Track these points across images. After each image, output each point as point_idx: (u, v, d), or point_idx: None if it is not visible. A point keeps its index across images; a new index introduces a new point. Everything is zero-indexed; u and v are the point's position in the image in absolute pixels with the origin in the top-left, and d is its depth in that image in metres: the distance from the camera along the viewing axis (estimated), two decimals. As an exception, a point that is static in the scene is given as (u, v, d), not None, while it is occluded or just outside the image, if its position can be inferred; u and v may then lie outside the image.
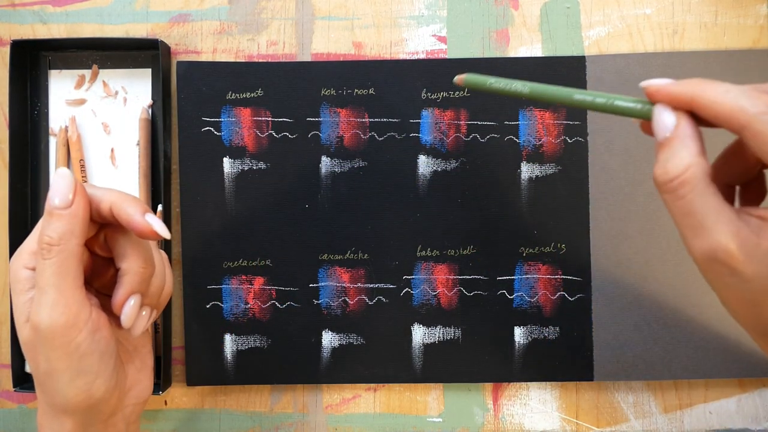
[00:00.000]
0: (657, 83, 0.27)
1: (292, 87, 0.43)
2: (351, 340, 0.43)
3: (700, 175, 0.25)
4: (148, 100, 0.44)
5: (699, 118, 0.26)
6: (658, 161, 0.26)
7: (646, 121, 0.28)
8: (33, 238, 0.30)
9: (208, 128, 0.43)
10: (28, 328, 0.29)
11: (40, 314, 0.28)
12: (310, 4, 0.44)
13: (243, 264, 0.43)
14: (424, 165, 0.43)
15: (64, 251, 0.28)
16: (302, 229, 0.43)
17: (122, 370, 0.32)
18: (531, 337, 0.43)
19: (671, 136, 0.26)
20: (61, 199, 0.28)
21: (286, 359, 0.43)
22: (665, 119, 0.26)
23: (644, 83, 0.28)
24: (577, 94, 0.29)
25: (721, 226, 0.24)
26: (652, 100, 0.28)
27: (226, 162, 0.43)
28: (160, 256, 0.33)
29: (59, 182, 0.28)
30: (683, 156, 0.25)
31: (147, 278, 0.31)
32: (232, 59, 0.44)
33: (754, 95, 0.24)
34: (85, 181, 0.43)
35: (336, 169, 0.43)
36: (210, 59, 0.44)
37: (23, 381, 0.42)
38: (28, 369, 0.43)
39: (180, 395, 0.44)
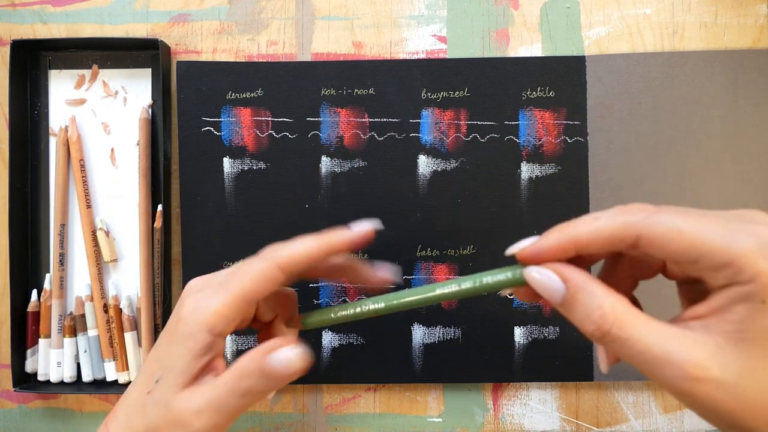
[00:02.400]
0: (524, 245, 0.26)
1: (292, 87, 0.43)
2: (351, 340, 0.43)
3: (625, 311, 0.23)
4: (148, 100, 0.44)
5: (579, 259, 0.25)
6: (577, 321, 0.24)
7: (520, 287, 0.26)
8: (227, 303, 0.28)
9: (208, 128, 0.43)
10: (177, 410, 0.27)
11: (198, 422, 0.27)
12: (310, 4, 0.44)
13: (243, 264, 0.43)
14: (424, 165, 0.43)
15: (253, 399, 0.28)
16: (302, 229, 0.43)
17: None
18: (531, 337, 0.42)
19: (570, 294, 0.24)
20: (282, 373, 0.27)
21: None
22: (551, 282, 0.25)
23: (511, 250, 0.26)
24: (439, 288, 0.27)
25: (679, 348, 0.22)
26: (530, 262, 0.26)
27: (226, 162, 0.43)
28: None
29: (291, 360, 0.27)
30: (597, 304, 0.23)
31: None
32: (232, 59, 0.44)
33: (625, 209, 0.24)
34: (85, 182, 0.43)
35: (336, 169, 0.43)
36: (210, 59, 0.44)
37: (23, 381, 0.42)
38: (28, 368, 0.43)
39: (180, 395, 0.44)
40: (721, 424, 0.23)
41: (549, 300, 0.25)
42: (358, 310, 0.29)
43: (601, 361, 0.27)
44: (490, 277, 0.26)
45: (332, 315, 0.29)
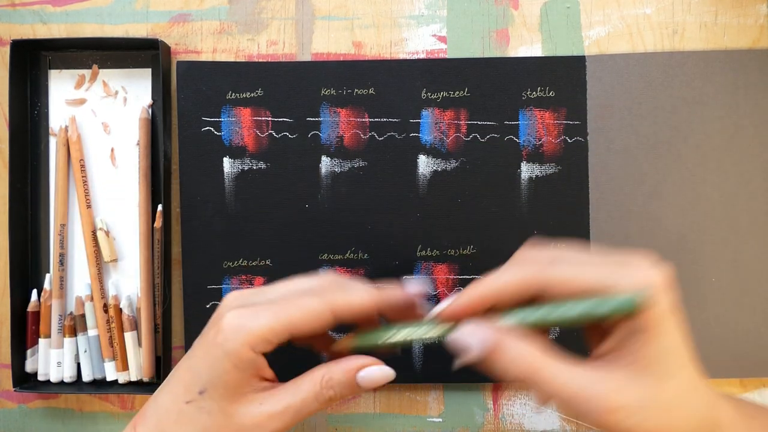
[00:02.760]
0: (442, 307, 0.29)
1: (292, 87, 0.43)
2: (351, 340, 0.43)
3: (537, 358, 0.26)
4: (148, 100, 0.44)
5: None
6: (502, 375, 0.26)
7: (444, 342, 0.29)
8: (272, 327, 0.28)
9: (208, 128, 0.43)
10: (247, 415, 0.29)
11: (274, 424, 0.29)
12: (310, 4, 0.44)
13: (243, 264, 0.43)
14: (424, 165, 0.43)
15: (330, 404, 0.30)
16: (302, 229, 0.43)
17: None
18: (531, 337, 0.42)
19: (489, 349, 0.26)
20: (367, 386, 0.30)
21: (287, 359, 0.43)
22: (468, 341, 0.27)
23: (432, 313, 0.30)
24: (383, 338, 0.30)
25: (593, 386, 0.25)
26: (451, 320, 0.29)
27: (226, 162, 0.43)
28: None
29: (379, 378, 0.30)
30: (514, 354, 0.26)
31: None
32: (232, 59, 0.44)
33: (522, 260, 0.28)
34: (85, 182, 0.43)
35: (336, 169, 0.43)
36: (210, 59, 0.44)
37: (23, 381, 0.42)
38: (28, 368, 0.43)
39: (180, 395, 0.44)
40: None
41: (467, 358, 0.27)
42: (415, 336, 0.30)
43: (536, 398, 0.31)
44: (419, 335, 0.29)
45: (385, 340, 0.30)
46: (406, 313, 0.31)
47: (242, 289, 0.31)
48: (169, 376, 0.31)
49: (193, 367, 0.30)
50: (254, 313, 0.29)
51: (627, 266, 0.26)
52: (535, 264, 0.28)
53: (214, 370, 0.29)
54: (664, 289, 0.25)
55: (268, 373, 0.30)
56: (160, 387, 0.31)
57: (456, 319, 0.29)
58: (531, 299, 0.28)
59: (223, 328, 0.29)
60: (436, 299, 0.43)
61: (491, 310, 0.28)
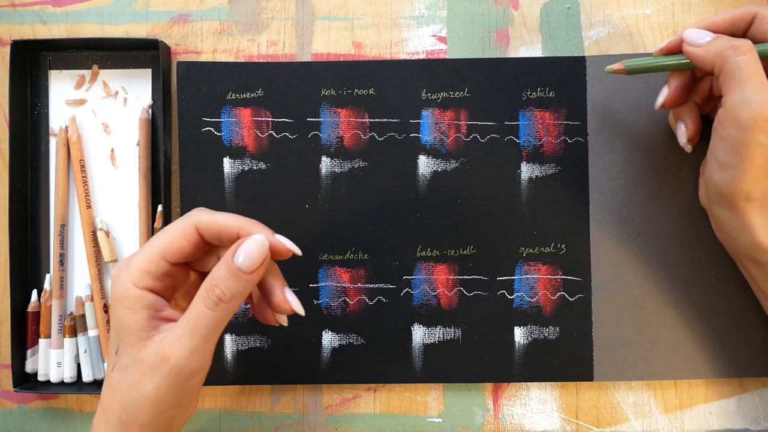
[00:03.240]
0: (695, 42, 0.36)
1: (292, 87, 0.43)
2: (351, 340, 0.43)
3: (753, 47, 0.33)
4: (148, 100, 0.44)
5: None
6: (718, 43, 0.33)
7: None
8: (146, 258, 0.30)
9: (208, 128, 0.43)
10: (152, 352, 0.29)
11: (180, 352, 0.29)
12: (310, 4, 0.44)
13: (243, 264, 0.43)
14: (424, 165, 0.43)
15: (229, 309, 0.29)
16: (302, 229, 0.43)
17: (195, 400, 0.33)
18: (531, 337, 0.43)
19: (714, 38, 0.34)
20: (249, 265, 0.29)
21: (286, 359, 0.43)
22: (699, 34, 0.35)
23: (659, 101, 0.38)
24: None
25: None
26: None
27: (226, 162, 0.43)
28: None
29: (254, 249, 0.29)
30: (737, 39, 0.33)
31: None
32: (232, 59, 0.44)
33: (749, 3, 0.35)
34: (85, 182, 0.43)
35: (336, 169, 0.43)
36: (210, 59, 0.44)
37: (23, 381, 0.42)
38: (28, 369, 0.43)
39: (180, 395, 0.44)
40: (732, 155, 0.33)
41: (692, 41, 0.35)
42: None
43: (680, 134, 0.38)
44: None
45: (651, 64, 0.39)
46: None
47: None
48: None
49: (110, 335, 0.31)
50: (130, 257, 0.31)
51: None
52: (755, 2, 0.35)
53: (115, 324, 0.30)
54: None
55: (170, 313, 0.31)
56: None
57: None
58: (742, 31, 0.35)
59: (111, 281, 0.31)
60: (436, 299, 0.43)
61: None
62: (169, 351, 0.29)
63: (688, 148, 0.39)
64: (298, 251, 0.32)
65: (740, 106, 0.31)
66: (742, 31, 0.35)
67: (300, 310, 0.32)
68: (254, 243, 0.30)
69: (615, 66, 0.38)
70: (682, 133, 0.38)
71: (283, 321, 0.34)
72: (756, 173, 0.32)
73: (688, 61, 0.36)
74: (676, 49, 0.37)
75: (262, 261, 0.30)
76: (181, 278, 0.33)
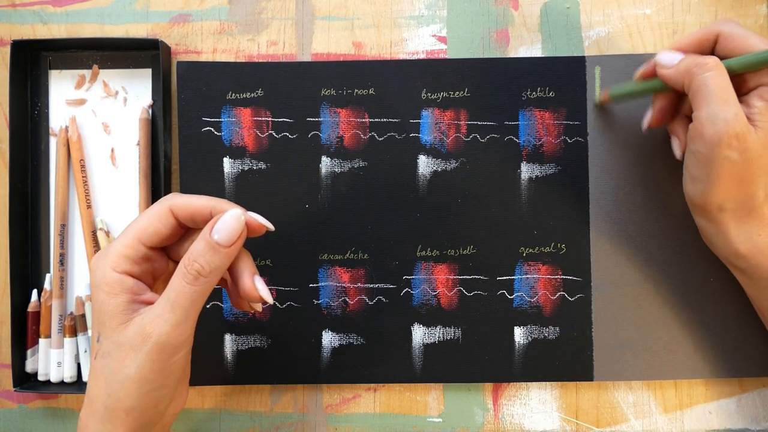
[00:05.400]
0: (668, 62, 0.36)
1: (292, 87, 0.43)
2: (351, 340, 0.43)
3: (719, 63, 0.33)
4: (148, 100, 0.44)
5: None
6: (685, 63, 0.34)
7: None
8: (124, 243, 0.31)
9: (208, 128, 0.43)
10: (133, 333, 0.29)
11: (161, 328, 0.29)
12: (310, 4, 0.44)
13: (243, 264, 0.43)
14: (424, 165, 0.43)
15: (207, 283, 0.30)
16: (302, 229, 0.43)
17: (182, 384, 0.33)
18: (531, 337, 0.43)
19: (683, 59, 0.34)
20: (226, 238, 0.30)
21: (286, 359, 0.43)
22: (669, 56, 0.35)
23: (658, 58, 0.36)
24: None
25: (735, 102, 0.31)
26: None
27: (226, 162, 0.43)
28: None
29: (231, 223, 0.30)
30: (704, 56, 0.33)
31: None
32: (232, 59, 0.44)
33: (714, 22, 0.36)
34: (85, 182, 0.43)
35: (336, 169, 0.43)
36: (210, 59, 0.44)
37: (23, 381, 0.42)
38: (29, 368, 0.43)
39: (180, 395, 0.44)
40: (702, 169, 0.34)
41: (666, 65, 0.35)
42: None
43: (675, 147, 0.38)
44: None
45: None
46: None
47: None
48: None
49: (92, 326, 0.32)
50: (109, 245, 0.31)
51: None
52: (719, 21, 0.35)
53: (96, 311, 0.30)
54: None
55: (148, 295, 0.31)
56: None
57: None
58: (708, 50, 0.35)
59: (90, 269, 0.31)
60: (436, 299, 0.43)
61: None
62: (150, 328, 0.29)
63: (678, 153, 0.39)
64: (270, 226, 0.33)
65: (706, 122, 0.32)
66: (708, 50, 0.35)
67: (268, 298, 0.32)
68: (231, 217, 0.30)
69: (602, 96, 0.41)
70: (677, 146, 0.38)
71: (257, 308, 0.34)
72: (725, 186, 0.33)
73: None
74: (653, 73, 0.37)
75: (239, 234, 0.31)
76: (159, 264, 0.33)
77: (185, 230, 0.33)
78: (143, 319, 0.29)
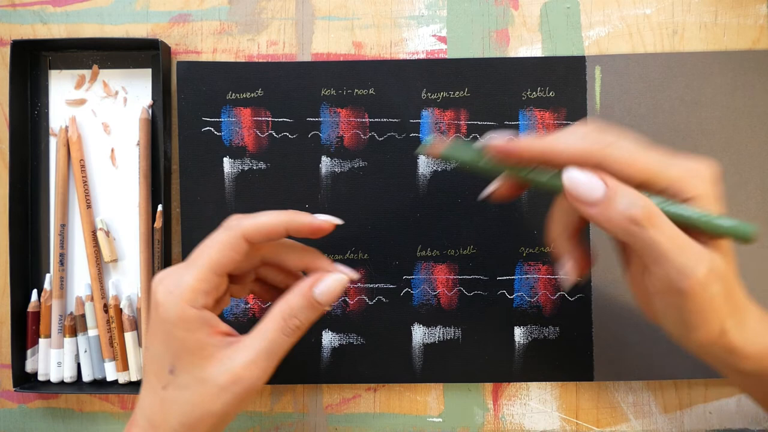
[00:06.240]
0: (499, 142, 0.30)
1: (292, 87, 0.43)
2: (351, 340, 0.43)
3: (657, 209, 0.27)
4: (148, 100, 0.44)
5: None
6: (614, 214, 0.27)
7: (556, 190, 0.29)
8: (198, 277, 0.29)
9: (208, 128, 0.43)
10: (220, 372, 0.29)
11: (255, 374, 0.30)
12: (310, 4, 0.44)
13: (243, 264, 0.43)
14: (424, 165, 0.43)
15: (301, 334, 0.31)
16: (302, 229, 0.43)
17: None
18: (531, 337, 0.43)
19: (609, 193, 0.27)
20: (329, 300, 0.31)
21: (286, 359, 0.42)
22: (592, 182, 0.27)
23: (483, 142, 0.30)
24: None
25: (684, 249, 0.27)
26: (501, 156, 0.30)
27: (226, 162, 0.43)
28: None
29: (336, 288, 0.31)
30: (637, 196, 0.27)
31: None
32: (232, 59, 0.44)
33: (589, 133, 0.28)
34: (85, 182, 0.43)
35: (336, 169, 0.43)
36: (210, 59, 0.44)
37: (23, 381, 0.42)
38: (29, 368, 0.43)
39: (180, 395, 0.44)
40: (694, 310, 0.27)
41: (583, 199, 0.27)
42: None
43: (569, 274, 0.32)
44: (533, 175, 0.29)
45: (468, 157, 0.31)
46: (315, 236, 0.32)
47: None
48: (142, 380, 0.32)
49: (154, 354, 0.30)
50: (179, 273, 0.30)
51: (678, 157, 0.28)
52: (598, 141, 0.28)
53: (170, 345, 0.29)
54: (711, 181, 0.28)
55: (225, 327, 0.31)
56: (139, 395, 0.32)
57: (505, 156, 0.29)
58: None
59: (158, 302, 0.29)
60: (436, 299, 0.43)
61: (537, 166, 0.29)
62: (243, 372, 0.29)
63: (569, 283, 0.33)
64: (339, 221, 0.33)
65: (676, 278, 0.27)
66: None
67: (334, 219, 0.33)
68: (336, 282, 0.31)
69: (429, 149, 0.33)
70: (572, 270, 0.32)
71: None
72: (720, 317, 0.28)
73: (542, 181, 0.29)
74: (514, 154, 0.29)
75: (339, 295, 0.31)
76: (223, 288, 0.32)
77: (256, 250, 0.33)
78: (232, 362, 0.29)
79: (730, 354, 0.29)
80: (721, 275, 0.27)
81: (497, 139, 0.29)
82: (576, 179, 0.27)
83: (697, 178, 0.27)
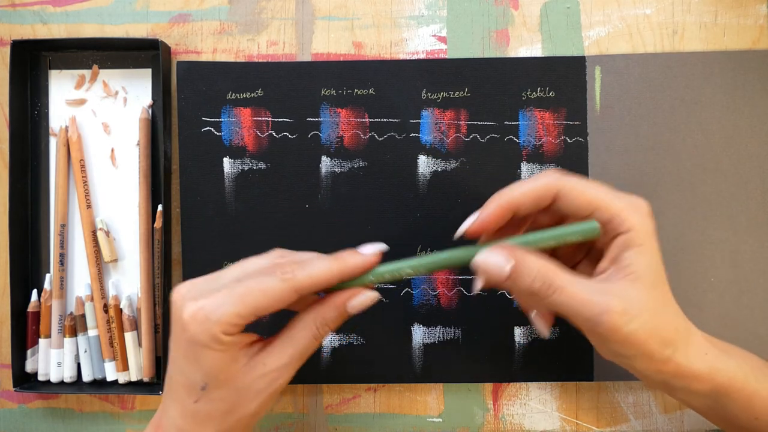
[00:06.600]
0: (468, 223, 0.32)
1: (292, 87, 0.43)
2: (351, 340, 0.43)
3: (558, 265, 0.30)
4: (148, 100, 0.44)
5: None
6: (526, 285, 0.30)
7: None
8: (238, 312, 0.29)
9: (208, 128, 0.43)
10: (255, 378, 0.30)
11: (289, 374, 0.31)
12: (310, 4, 0.44)
13: (243, 264, 0.43)
14: (424, 165, 0.43)
15: (326, 337, 0.33)
16: (302, 229, 0.43)
17: None
18: (531, 337, 0.43)
19: (517, 265, 0.30)
20: (359, 311, 0.32)
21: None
22: (497, 261, 0.30)
23: (458, 233, 0.32)
24: (408, 269, 0.32)
25: (605, 294, 0.29)
26: (478, 235, 0.33)
27: (226, 162, 0.43)
28: None
29: (367, 303, 0.32)
30: (538, 264, 0.30)
31: None
32: (232, 59, 0.44)
33: (543, 174, 0.32)
34: (85, 182, 0.43)
35: (336, 169, 0.43)
36: (210, 59, 0.44)
37: (23, 381, 0.42)
38: (29, 368, 0.43)
39: (180, 395, 0.44)
40: (622, 347, 0.30)
41: (493, 279, 0.30)
42: (395, 274, 0.32)
43: (542, 329, 0.35)
44: (446, 256, 0.32)
45: (371, 278, 0.32)
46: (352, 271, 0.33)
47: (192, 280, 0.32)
48: (165, 387, 0.32)
49: (183, 370, 0.30)
50: (218, 300, 0.29)
51: (622, 193, 0.31)
52: (554, 177, 0.32)
53: (201, 365, 0.29)
54: (648, 215, 0.31)
55: (252, 337, 0.32)
56: (162, 401, 0.32)
57: (482, 232, 0.32)
58: (545, 208, 0.33)
59: (188, 323, 0.29)
60: (436, 299, 0.43)
61: (510, 220, 0.33)
62: (278, 375, 0.31)
63: (546, 333, 0.36)
64: (385, 246, 0.33)
65: (592, 327, 0.29)
66: (547, 204, 0.32)
67: (375, 249, 0.33)
68: (370, 299, 0.32)
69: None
70: (543, 326, 0.35)
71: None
72: (652, 347, 0.30)
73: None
74: (486, 224, 0.32)
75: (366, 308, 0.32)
76: None
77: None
78: (266, 367, 0.31)
79: (681, 378, 0.31)
80: (639, 311, 0.29)
81: (465, 225, 0.32)
82: (486, 261, 0.30)
83: (636, 212, 0.31)
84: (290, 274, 0.30)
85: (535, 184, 0.32)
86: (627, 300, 0.29)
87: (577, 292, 0.29)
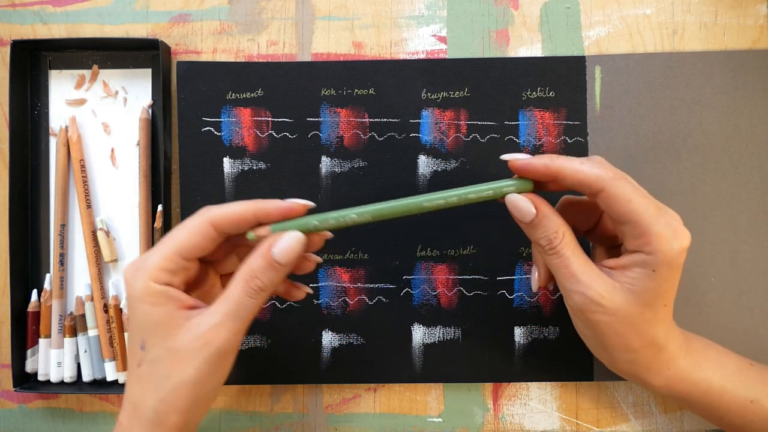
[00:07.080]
0: (519, 157, 0.33)
1: (292, 87, 0.43)
2: (351, 340, 0.43)
3: (572, 239, 0.32)
4: (148, 100, 0.44)
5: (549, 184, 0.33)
6: (535, 236, 0.33)
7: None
8: (162, 256, 0.31)
9: (208, 128, 0.43)
10: (189, 338, 0.30)
11: (224, 335, 0.30)
12: (310, 4, 0.44)
13: (243, 264, 0.43)
14: (424, 165, 0.43)
15: (266, 296, 0.32)
16: (302, 229, 0.43)
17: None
18: (531, 337, 0.43)
19: (538, 218, 0.32)
20: (287, 259, 0.31)
21: (286, 359, 0.43)
22: (525, 207, 0.32)
23: (505, 157, 0.33)
24: (426, 202, 0.32)
25: (592, 278, 0.32)
26: (517, 172, 0.33)
27: (226, 162, 0.43)
28: None
29: (292, 245, 0.32)
30: (553, 226, 0.32)
31: None
32: (232, 59, 0.44)
33: (600, 164, 0.32)
34: (85, 182, 0.43)
35: (336, 169, 0.43)
36: (210, 59, 0.44)
37: (23, 381, 0.42)
38: (29, 368, 0.43)
39: (180, 395, 0.44)
40: (594, 337, 0.33)
41: (519, 218, 0.33)
42: (341, 220, 0.32)
43: (534, 281, 0.36)
44: (474, 194, 0.32)
45: (312, 226, 0.32)
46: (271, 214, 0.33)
47: None
48: None
49: (129, 335, 0.32)
50: (144, 256, 0.31)
51: (669, 215, 0.31)
52: (610, 171, 0.32)
53: (139, 321, 0.31)
54: (681, 250, 0.31)
55: (192, 301, 0.32)
56: None
57: (522, 172, 0.33)
58: (572, 203, 0.35)
59: (126, 282, 0.31)
60: (436, 299, 0.43)
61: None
62: (211, 335, 0.30)
63: (534, 287, 0.37)
64: (310, 203, 0.33)
65: (589, 304, 0.32)
66: (588, 192, 0.32)
67: (305, 201, 0.33)
68: (292, 239, 0.32)
69: (261, 230, 0.33)
70: (535, 281, 0.36)
71: (306, 289, 0.37)
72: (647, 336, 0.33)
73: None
74: (534, 170, 0.32)
75: (297, 253, 0.32)
76: (194, 271, 0.33)
77: (224, 239, 0.33)
78: (200, 327, 0.30)
79: (649, 387, 0.34)
80: (614, 312, 0.31)
81: (514, 156, 0.33)
82: (515, 201, 0.32)
83: (668, 242, 0.30)
84: (207, 211, 0.32)
85: (587, 174, 0.31)
86: (609, 299, 0.31)
87: (571, 264, 0.32)
